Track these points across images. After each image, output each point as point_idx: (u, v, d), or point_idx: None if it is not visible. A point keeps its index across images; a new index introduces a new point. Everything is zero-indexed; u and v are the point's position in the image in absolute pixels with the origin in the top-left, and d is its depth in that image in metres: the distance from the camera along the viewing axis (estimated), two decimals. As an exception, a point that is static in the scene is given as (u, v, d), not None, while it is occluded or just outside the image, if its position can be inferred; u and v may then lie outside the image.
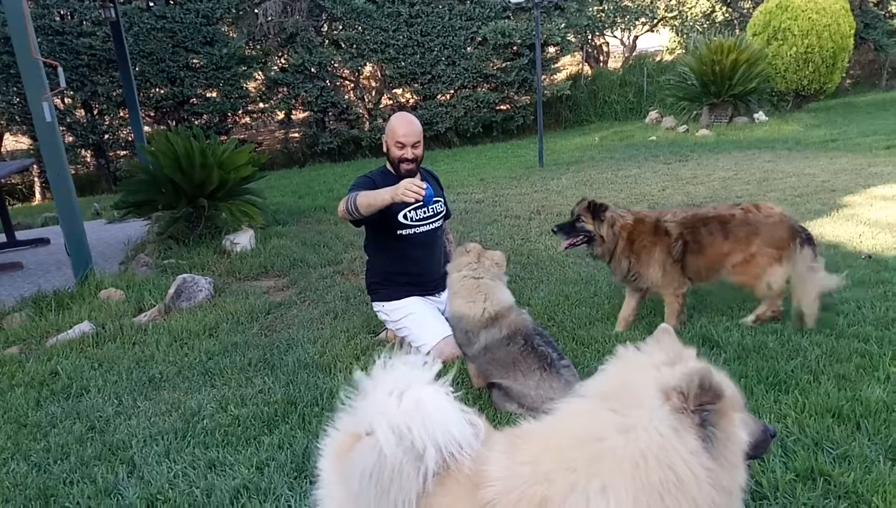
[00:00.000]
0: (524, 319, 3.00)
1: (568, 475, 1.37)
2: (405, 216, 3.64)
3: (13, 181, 14.70)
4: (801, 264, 3.38)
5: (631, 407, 1.39)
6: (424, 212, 3.72)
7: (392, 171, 3.71)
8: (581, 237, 3.62)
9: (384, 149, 3.71)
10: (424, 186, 3.09)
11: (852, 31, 14.04)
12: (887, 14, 18.81)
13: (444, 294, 3.86)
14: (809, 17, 13.40)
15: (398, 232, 3.65)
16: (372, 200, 3.22)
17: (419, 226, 3.70)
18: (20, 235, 7.61)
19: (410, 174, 3.70)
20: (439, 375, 1.63)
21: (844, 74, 15.42)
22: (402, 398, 1.53)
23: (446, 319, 3.28)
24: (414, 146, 3.61)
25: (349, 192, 3.45)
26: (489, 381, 3.01)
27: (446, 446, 1.50)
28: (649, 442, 1.34)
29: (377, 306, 3.82)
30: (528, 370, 2.84)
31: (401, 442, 1.49)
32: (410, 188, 3.05)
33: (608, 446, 1.36)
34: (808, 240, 3.47)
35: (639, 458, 1.33)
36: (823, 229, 5.32)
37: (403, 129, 3.59)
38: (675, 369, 1.47)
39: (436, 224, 3.80)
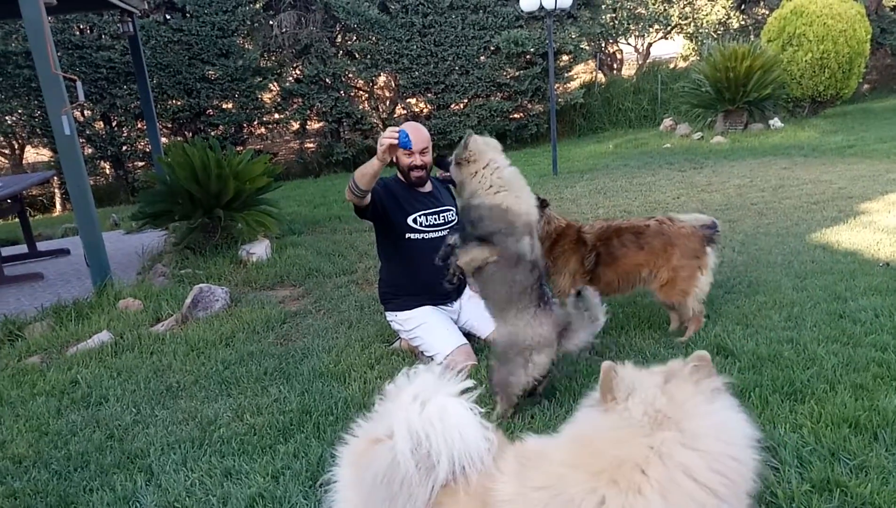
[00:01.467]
0: (540, 248, 3.03)
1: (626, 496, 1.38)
2: (415, 221, 3.66)
3: (34, 193, 14.93)
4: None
5: (685, 419, 1.41)
6: (435, 219, 3.74)
7: (402, 179, 3.74)
8: None
9: (394, 160, 3.74)
10: (396, 129, 3.06)
11: (868, 37, 13.91)
12: (904, 19, 18.65)
13: (457, 303, 3.89)
14: (825, 23, 13.30)
15: (407, 236, 3.67)
16: (366, 168, 3.21)
17: (429, 232, 3.71)
18: (41, 245, 7.73)
19: (421, 182, 3.73)
20: (465, 389, 1.64)
21: (861, 80, 15.28)
22: (425, 405, 1.55)
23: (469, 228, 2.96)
24: (422, 153, 3.62)
25: None
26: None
27: (460, 459, 1.50)
28: None
29: (390, 315, 3.84)
30: (526, 306, 2.84)
31: (417, 450, 1.50)
32: (384, 137, 3.02)
33: (678, 461, 1.38)
34: (712, 240, 3.62)
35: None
36: (840, 236, 5.28)
37: (412, 134, 3.61)
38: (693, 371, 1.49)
39: (447, 232, 3.80)
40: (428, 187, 3.83)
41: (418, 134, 3.62)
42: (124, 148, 14.96)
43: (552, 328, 2.82)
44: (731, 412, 1.48)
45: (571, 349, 2.86)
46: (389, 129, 3.06)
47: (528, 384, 2.85)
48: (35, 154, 16.80)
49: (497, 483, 1.51)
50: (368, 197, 3.38)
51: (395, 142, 3.01)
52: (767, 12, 17.86)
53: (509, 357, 2.85)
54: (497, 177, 2.85)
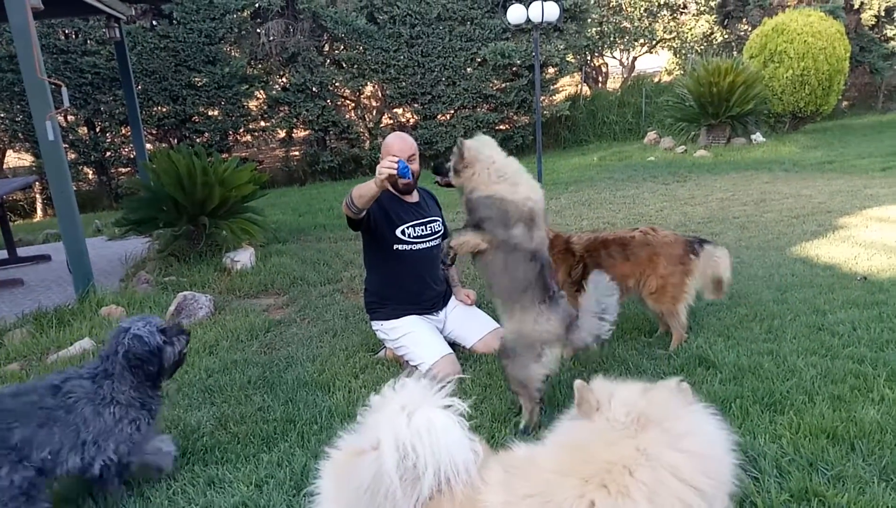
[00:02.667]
0: (545, 241, 3.00)
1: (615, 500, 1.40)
2: (403, 232, 3.68)
3: (15, 198, 14.75)
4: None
5: (669, 422, 1.44)
6: (423, 230, 3.76)
7: (390, 188, 3.76)
8: None
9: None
10: (395, 158, 3.07)
11: (848, 55, 14.21)
12: (882, 38, 19.02)
13: (443, 313, 3.91)
14: (805, 41, 13.57)
15: (395, 247, 3.68)
16: (364, 190, 3.22)
17: (416, 243, 3.73)
18: (21, 251, 7.64)
19: (409, 190, 3.76)
20: (452, 397, 1.64)
21: (841, 97, 15.59)
22: (412, 416, 1.54)
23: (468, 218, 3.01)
24: (409, 160, 3.65)
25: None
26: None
27: (447, 471, 1.51)
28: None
29: (376, 324, 3.84)
30: (530, 301, 2.80)
31: (403, 461, 1.50)
32: (383, 166, 3.03)
33: (665, 462, 1.40)
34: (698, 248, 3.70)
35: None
36: (820, 250, 5.37)
37: (397, 144, 3.63)
38: (664, 385, 1.53)
39: (433, 243, 3.83)
40: (415, 197, 3.85)
41: (404, 143, 3.65)
42: (108, 154, 14.84)
43: (560, 323, 2.78)
44: (707, 416, 1.51)
45: (578, 345, 2.80)
46: (388, 158, 3.07)
47: (544, 375, 2.83)
48: (17, 158, 16.61)
49: (483, 493, 1.52)
50: (364, 212, 3.40)
51: (395, 172, 3.03)
52: (750, 28, 18.17)
53: (518, 352, 2.82)
54: (493, 171, 2.87)
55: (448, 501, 1.51)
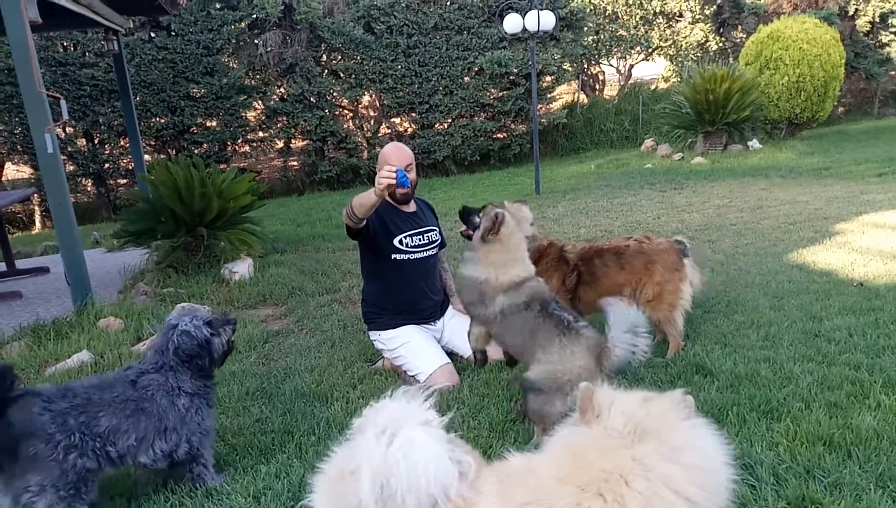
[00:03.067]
0: (543, 286, 2.94)
1: None
2: (401, 242, 3.69)
3: (14, 210, 14.76)
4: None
5: (666, 433, 1.44)
6: (420, 239, 3.78)
7: (389, 198, 3.77)
8: None
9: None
10: (393, 168, 3.10)
11: (843, 61, 14.28)
12: (877, 44, 19.11)
13: (440, 322, 3.92)
14: (800, 48, 13.63)
15: (392, 256, 3.69)
16: (364, 199, 3.24)
17: (414, 253, 3.74)
18: (20, 263, 7.64)
19: (406, 199, 3.78)
20: (436, 407, 1.64)
21: (836, 103, 15.64)
22: (392, 440, 1.52)
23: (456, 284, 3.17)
24: (406, 170, 3.67)
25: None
26: (508, 357, 3.04)
27: (429, 493, 1.49)
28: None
29: (373, 335, 3.85)
30: (546, 339, 2.69)
31: (381, 495, 1.49)
32: (381, 176, 3.06)
33: (660, 473, 1.40)
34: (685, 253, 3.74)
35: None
36: (816, 256, 5.38)
37: (395, 154, 3.66)
38: (665, 396, 1.53)
39: (430, 252, 3.85)
40: (412, 207, 3.87)
41: (401, 153, 3.68)
42: (107, 165, 14.87)
43: (587, 355, 2.59)
44: (705, 429, 1.52)
45: (615, 367, 2.58)
46: (386, 167, 3.10)
47: (566, 413, 2.76)
48: (15, 170, 16.63)
49: (478, 505, 1.52)
50: (364, 221, 3.42)
51: (394, 181, 3.07)
52: (745, 36, 18.25)
53: (545, 391, 2.64)
54: (509, 260, 2.90)
55: None
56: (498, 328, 2.90)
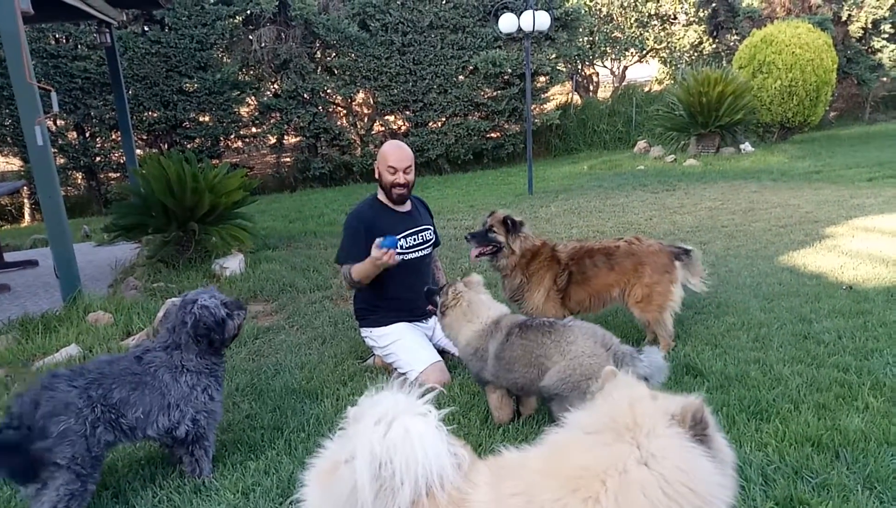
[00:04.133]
0: (515, 316, 3.09)
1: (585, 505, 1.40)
2: (395, 243, 3.69)
3: (3, 202, 14.65)
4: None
5: (645, 437, 1.43)
6: (415, 239, 3.78)
7: (384, 197, 3.77)
8: (490, 247, 3.85)
9: (376, 175, 3.77)
10: (379, 242, 3.34)
11: (835, 66, 14.38)
12: (869, 49, 19.23)
13: (432, 320, 3.91)
14: (793, 52, 13.72)
15: None
16: (365, 273, 3.51)
17: (408, 253, 3.75)
18: (9, 256, 7.58)
19: (402, 199, 3.78)
20: (430, 401, 1.64)
21: (828, 107, 15.76)
22: (390, 427, 1.54)
23: (460, 359, 3.29)
24: (405, 171, 3.68)
25: (340, 259, 3.76)
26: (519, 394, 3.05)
27: (425, 479, 1.50)
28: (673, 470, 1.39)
29: (365, 332, 3.84)
30: (541, 347, 2.76)
31: (379, 474, 1.50)
32: (376, 257, 3.34)
33: (634, 477, 1.39)
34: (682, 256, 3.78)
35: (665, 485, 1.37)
36: (806, 259, 5.41)
37: (395, 154, 3.66)
38: (671, 400, 1.52)
39: (424, 251, 3.85)
40: (407, 206, 3.87)
41: (402, 153, 3.69)
42: (98, 159, 14.75)
43: (594, 344, 2.67)
44: (685, 441, 1.46)
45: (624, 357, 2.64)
46: (376, 249, 3.34)
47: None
48: (4, 163, 16.49)
49: (470, 494, 1.53)
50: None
51: (393, 261, 3.38)
52: (739, 39, 18.33)
53: (564, 395, 2.65)
54: (464, 313, 3.07)
55: (432, 506, 1.52)
56: (504, 373, 2.91)
